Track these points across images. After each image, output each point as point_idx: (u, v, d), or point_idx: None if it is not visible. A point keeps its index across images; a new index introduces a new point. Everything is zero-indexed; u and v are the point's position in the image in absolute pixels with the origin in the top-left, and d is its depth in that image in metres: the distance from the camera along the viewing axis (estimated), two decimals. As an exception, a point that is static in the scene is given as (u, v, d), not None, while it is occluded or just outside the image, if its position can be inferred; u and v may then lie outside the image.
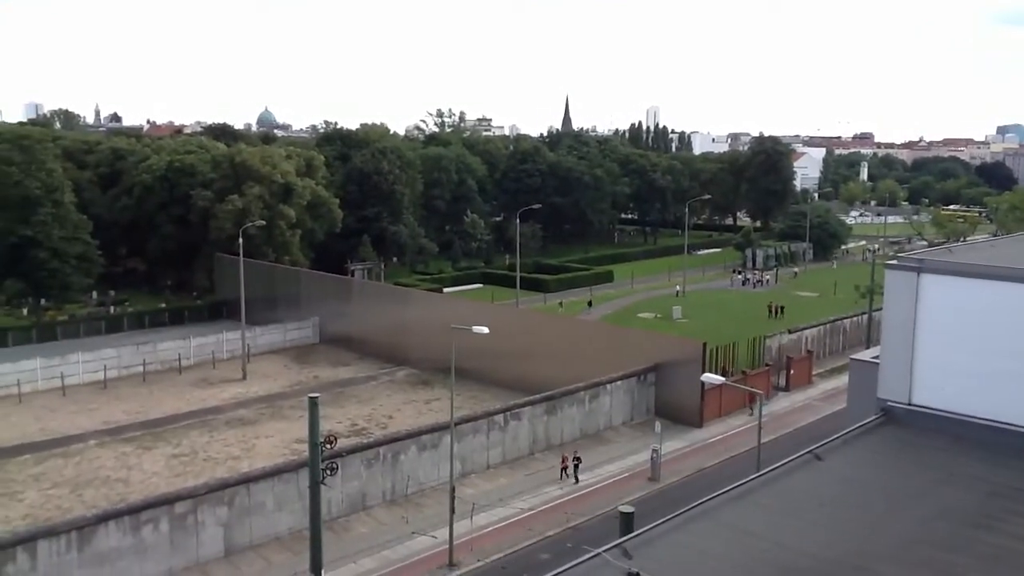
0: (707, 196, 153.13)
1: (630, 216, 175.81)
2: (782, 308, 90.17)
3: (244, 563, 36.56)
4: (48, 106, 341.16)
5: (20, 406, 59.68)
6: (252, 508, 37.94)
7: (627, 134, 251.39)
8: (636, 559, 17.80)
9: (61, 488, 45.00)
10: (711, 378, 40.57)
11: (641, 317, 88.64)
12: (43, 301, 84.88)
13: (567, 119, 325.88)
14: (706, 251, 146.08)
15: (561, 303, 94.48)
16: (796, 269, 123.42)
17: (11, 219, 78.74)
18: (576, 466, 45.20)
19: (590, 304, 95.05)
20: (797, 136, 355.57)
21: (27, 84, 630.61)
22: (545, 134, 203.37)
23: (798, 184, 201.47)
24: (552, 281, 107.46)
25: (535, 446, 49.94)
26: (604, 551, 17.98)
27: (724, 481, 23.68)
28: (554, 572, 16.96)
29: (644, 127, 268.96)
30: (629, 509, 36.89)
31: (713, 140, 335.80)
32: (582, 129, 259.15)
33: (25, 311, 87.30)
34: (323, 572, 31.98)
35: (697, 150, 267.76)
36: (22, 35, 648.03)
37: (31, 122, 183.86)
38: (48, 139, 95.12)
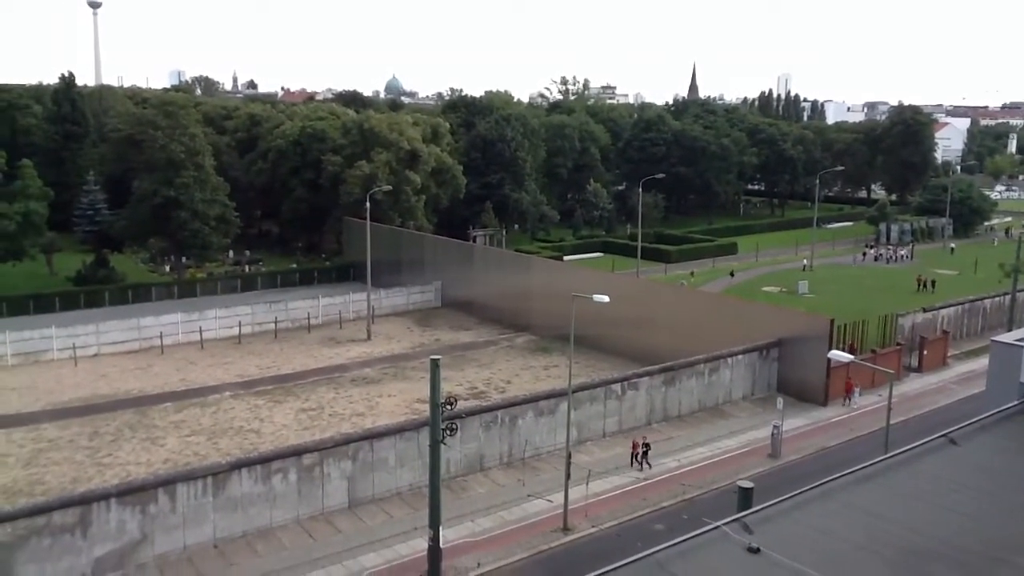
0: (840, 167, 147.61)
1: (757, 187, 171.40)
2: (933, 282, 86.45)
3: (367, 515, 37.91)
4: (190, 73, 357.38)
5: (162, 357, 63.33)
6: (375, 463, 39.23)
7: (756, 103, 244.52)
8: (757, 534, 17.59)
9: (198, 436, 47.63)
10: (838, 355, 39.24)
11: (765, 291, 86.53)
12: (184, 259, 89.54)
13: (693, 87, 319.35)
14: (837, 225, 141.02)
15: (693, 273, 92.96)
16: (952, 245, 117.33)
17: (157, 181, 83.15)
18: (646, 452, 43.31)
19: (732, 274, 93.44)
20: (940, 105, 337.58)
21: (171, 52, 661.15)
22: (670, 102, 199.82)
23: (939, 156, 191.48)
24: (674, 252, 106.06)
25: (652, 416, 49.67)
26: (724, 524, 17.84)
27: (848, 462, 23.02)
28: (674, 542, 16.95)
29: (774, 95, 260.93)
30: (748, 484, 36.31)
31: (848, 109, 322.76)
32: (709, 97, 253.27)
33: (167, 268, 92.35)
34: (441, 528, 32.94)
35: (831, 119, 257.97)
36: (167, 5, 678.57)
37: (175, 88, 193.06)
38: (190, 105, 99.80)
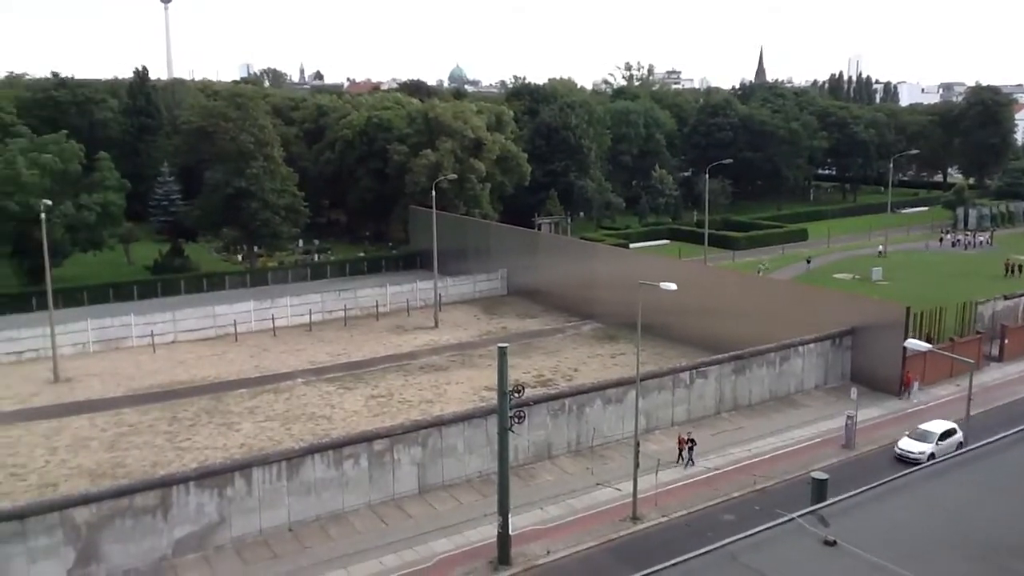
0: (914, 151, 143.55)
1: (827, 172, 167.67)
2: (1021, 267, 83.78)
3: (436, 501, 38.38)
4: (258, 66, 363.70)
5: (236, 345, 64.86)
6: (444, 450, 39.66)
7: (826, 85, 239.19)
8: (833, 527, 17.33)
9: (272, 421, 48.73)
10: (914, 344, 38.32)
11: (837, 278, 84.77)
12: (256, 248, 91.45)
13: (761, 71, 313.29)
14: (911, 210, 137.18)
15: (764, 265, 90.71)
16: None
17: (228, 171, 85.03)
18: (691, 448, 42.27)
19: (808, 261, 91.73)
20: (1020, 86, 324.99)
21: (240, 45, 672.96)
22: (737, 86, 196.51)
23: (1019, 138, 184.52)
24: (742, 238, 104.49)
25: (721, 405, 49.17)
26: (799, 516, 17.62)
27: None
28: (747, 533, 16.80)
29: (845, 77, 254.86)
30: (823, 476, 35.59)
31: (923, 91, 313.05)
32: (777, 81, 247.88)
33: (240, 257, 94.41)
34: (510, 515, 33.20)
35: (904, 101, 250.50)
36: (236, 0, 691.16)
37: (244, 81, 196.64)
38: (259, 97, 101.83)
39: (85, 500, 31.96)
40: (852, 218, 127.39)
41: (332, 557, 33.73)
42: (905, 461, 40.28)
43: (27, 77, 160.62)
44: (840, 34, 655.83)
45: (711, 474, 41.10)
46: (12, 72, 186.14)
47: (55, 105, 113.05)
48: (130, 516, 32.53)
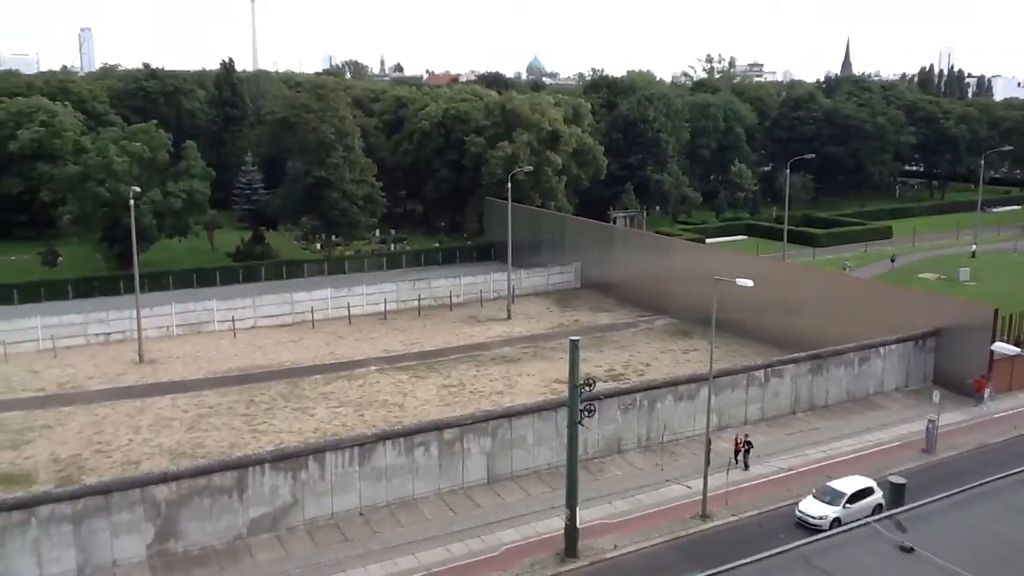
0: (1007, 147, 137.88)
1: (914, 168, 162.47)
2: None
3: (505, 492, 38.52)
4: (340, 58, 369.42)
5: (313, 331, 66.12)
6: (514, 441, 39.76)
7: (915, 79, 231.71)
8: (911, 533, 16.82)
9: (346, 407, 49.56)
10: (1003, 348, 37.00)
11: (922, 277, 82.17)
12: (334, 237, 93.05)
13: (847, 63, 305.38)
14: (1004, 208, 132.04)
15: (847, 265, 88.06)
16: None
17: (309, 162, 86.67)
18: (747, 451, 40.97)
19: (893, 259, 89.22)
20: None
21: (323, 37, 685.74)
22: (822, 79, 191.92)
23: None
24: (823, 235, 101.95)
25: (797, 405, 48.16)
26: (875, 520, 17.16)
27: (1011, 461, 21.67)
28: (821, 536, 16.44)
29: (935, 71, 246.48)
30: (901, 480, 34.79)
31: (1019, 84, 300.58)
32: (863, 74, 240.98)
33: (318, 246, 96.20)
34: (578, 508, 33.13)
35: (998, 96, 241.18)
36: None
37: (326, 73, 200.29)
38: (340, 88, 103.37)
39: (165, 478, 33.02)
40: (939, 216, 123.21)
41: (401, 543, 34.16)
42: (803, 527, 34.43)
43: (120, 68, 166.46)
44: (931, 26, 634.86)
45: (784, 474, 40.32)
46: (106, 63, 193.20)
47: (146, 95, 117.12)
48: (208, 495, 33.49)
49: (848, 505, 35.57)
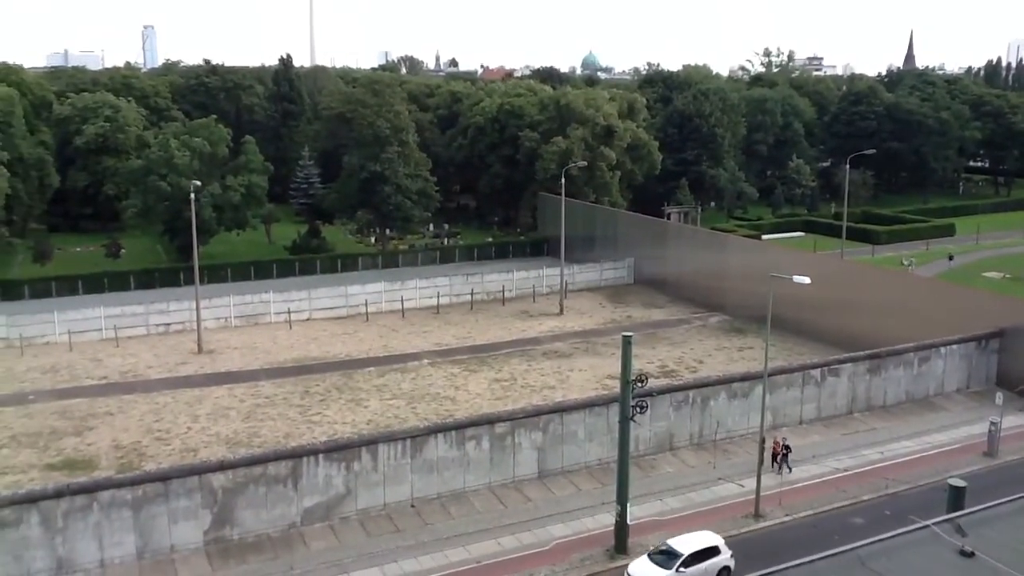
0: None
1: (979, 164, 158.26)
2: None
3: (555, 486, 38.51)
4: (396, 53, 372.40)
5: (367, 324, 66.78)
6: (565, 436, 39.71)
7: (982, 72, 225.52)
8: (971, 537, 16.41)
9: (399, 400, 49.98)
10: (1071, 349, 35.80)
11: (986, 276, 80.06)
12: (388, 231, 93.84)
13: (910, 56, 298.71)
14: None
15: (910, 262, 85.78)
16: None
17: (364, 156, 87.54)
18: (785, 455, 40.09)
19: (951, 258, 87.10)
20: None
21: (379, 33, 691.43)
22: (883, 73, 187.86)
23: None
24: (883, 232, 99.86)
25: (854, 405, 47.28)
26: (934, 523, 16.78)
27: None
28: (878, 538, 16.13)
29: (1003, 64, 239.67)
30: (961, 483, 33.91)
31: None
32: (927, 67, 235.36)
33: (373, 240, 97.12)
34: (629, 505, 32.98)
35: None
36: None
37: (382, 68, 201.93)
38: (396, 83, 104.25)
39: (222, 466, 33.67)
40: (1005, 214, 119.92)
41: (452, 535, 34.38)
42: None
43: (181, 65, 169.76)
44: (999, 18, 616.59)
45: (840, 475, 39.65)
46: (168, 60, 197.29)
47: (206, 91, 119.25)
48: (263, 484, 34.06)
49: (682, 569, 30.42)
